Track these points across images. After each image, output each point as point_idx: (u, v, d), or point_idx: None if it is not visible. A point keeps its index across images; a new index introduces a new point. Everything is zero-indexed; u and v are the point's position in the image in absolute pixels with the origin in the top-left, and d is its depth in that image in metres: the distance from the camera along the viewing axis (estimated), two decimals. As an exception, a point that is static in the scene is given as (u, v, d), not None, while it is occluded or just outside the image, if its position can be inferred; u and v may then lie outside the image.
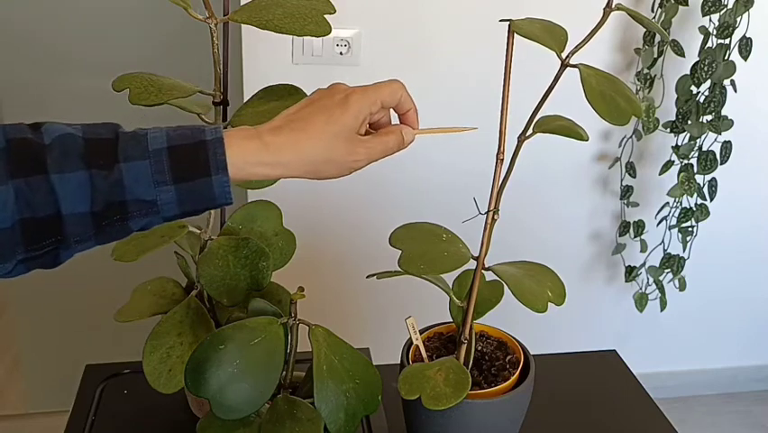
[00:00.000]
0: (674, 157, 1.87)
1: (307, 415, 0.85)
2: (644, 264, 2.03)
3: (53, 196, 0.64)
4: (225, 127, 0.93)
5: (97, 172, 0.65)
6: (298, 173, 0.72)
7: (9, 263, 0.65)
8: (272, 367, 0.83)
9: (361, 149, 0.74)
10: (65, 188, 0.64)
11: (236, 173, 0.69)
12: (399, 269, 0.85)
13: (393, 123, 0.79)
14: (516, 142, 0.84)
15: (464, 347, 0.91)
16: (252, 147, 0.70)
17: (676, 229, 1.94)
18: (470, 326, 0.91)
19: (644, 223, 1.99)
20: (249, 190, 1.43)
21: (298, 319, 0.85)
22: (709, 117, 1.79)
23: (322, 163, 0.72)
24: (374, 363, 0.90)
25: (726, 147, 1.83)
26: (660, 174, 1.91)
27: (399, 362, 0.94)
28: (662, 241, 1.99)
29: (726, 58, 1.73)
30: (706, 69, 1.72)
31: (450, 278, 0.93)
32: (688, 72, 1.76)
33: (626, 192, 1.97)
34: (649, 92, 1.83)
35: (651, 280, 2.03)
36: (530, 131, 0.83)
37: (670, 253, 1.98)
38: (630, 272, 2.05)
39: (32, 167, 0.64)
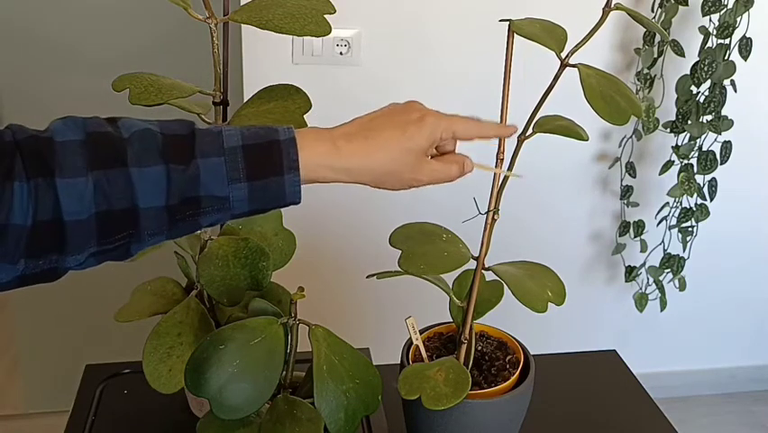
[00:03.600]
0: (674, 157, 1.87)
1: (307, 415, 0.85)
2: (644, 264, 2.03)
3: (131, 189, 0.65)
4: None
5: (175, 167, 0.66)
6: (362, 181, 0.74)
7: (81, 255, 0.65)
8: (272, 367, 0.83)
9: (426, 169, 0.76)
10: (143, 182, 0.65)
11: (306, 174, 0.70)
12: (399, 269, 0.85)
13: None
14: (516, 142, 0.84)
15: (464, 347, 0.91)
16: (324, 150, 0.71)
17: (676, 229, 1.94)
18: (471, 326, 0.91)
19: (644, 223, 1.99)
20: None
21: (298, 319, 0.85)
22: (709, 117, 1.79)
23: (386, 174, 0.74)
24: (374, 363, 0.90)
25: (726, 147, 1.83)
26: (660, 174, 1.91)
27: (399, 362, 0.94)
28: (662, 241, 1.99)
29: (726, 58, 1.73)
30: (706, 69, 1.72)
31: (450, 278, 0.93)
32: (688, 72, 1.76)
33: (626, 192, 1.97)
34: (649, 92, 1.83)
35: (651, 280, 2.03)
36: (530, 131, 0.83)
37: (670, 253, 1.98)
38: (630, 272, 2.05)
39: (112, 160, 0.65)
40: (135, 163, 0.65)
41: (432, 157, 0.78)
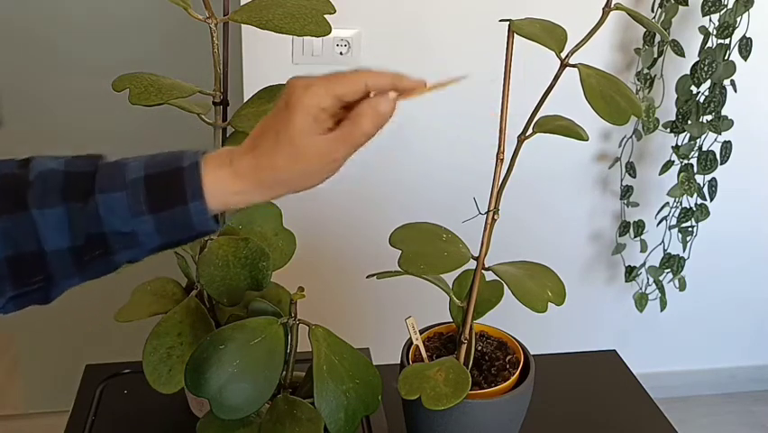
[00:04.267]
0: (674, 157, 1.87)
1: (307, 415, 0.85)
2: (644, 264, 2.03)
3: (35, 232, 0.63)
4: (225, 128, 0.94)
5: (74, 205, 0.64)
6: (274, 195, 0.67)
7: (1, 300, 0.65)
8: (272, 367, 0.83)
9: (328, 146, 0.64)
10: (45, 224, 0.63)
11: (214, 202, 0.65)
12: (399, 269, 0.85)
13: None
14: (516, 142, 0.84)
15: (464, 347, 0.91)
16: (225, 175, 0.65)
17: (676, 229, 1.94)
18: (471, 326, 0.91)
19: (644, 223, 1.99)
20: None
21: (298, 319, 0.85)
22: (709, 117, 1.79)
23: (294, 179, 0.66)
24: (374, 363, 0.90)
25: (726, 147, 1.83)
26: (660, 174, 1.91)
27: (399, 362, 0.94)
28: (662, 241, 1.99)
29: (726, 58, 1.73)
30: (706, 69, 1.72)
31: (450, 278, 0.93)
32: (688, 72, 1.76)
33: (626, 192, 1.97)
34: (649, 92, 1.83)
35: (651, 280, 2.03)
36: (530, 131, 0.83)
37: (670, 253, 1.98)
38: (630, 272, 2.05)
39: (15, 203, 0.64)
40: (37, 205, 0.63)
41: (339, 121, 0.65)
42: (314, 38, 1.33)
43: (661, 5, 1.75)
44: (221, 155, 0.66)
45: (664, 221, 1.97)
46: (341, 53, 1.72)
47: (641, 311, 2.05)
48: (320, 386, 0.83)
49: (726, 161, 1.84)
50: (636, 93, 1.83)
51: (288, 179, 0.66)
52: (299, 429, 0.84)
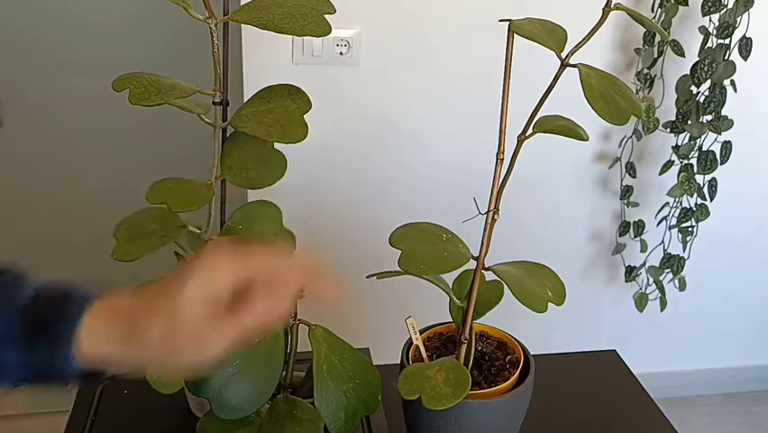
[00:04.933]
0: (674, 157, 1.87)
1: (307, 415, 0.85)
2: (644, 264, 2.03)
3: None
4: (225, 128, 0.94)
5: None
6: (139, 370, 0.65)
7: None
8: (272, 367, 0.83)
9: (208, 335, 0.60)
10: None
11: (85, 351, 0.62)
12: (399, 269, 0.85)
13: None
14: (516, 142, 0.84)
15: (464, 347, 0.91)
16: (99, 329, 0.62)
17: (676, 229, 1.94)
18: (470, 326, 0.91)
19: (644, 223, 1.99)
20: (249, 190, 1.43)
21: (298, 319, 0.85)
22: (709, 117, 1.79)
23: (161, 353, 0.61)
24: (374, 363, 0.90)
25: (726, 147, 1.83)
26: (660, 174, 1.91)
27: (399, 362, 0.94)
28: (662, 241, 1.99)
29: (726, 58, 1.73)
30: (706, 69, 1.72)
31: (450, 278, 0.93)
32: (688, 72, 1.76)
33: (626, 192, 1.97)
34: (649, 92, 1.83)
35: (651, 280, 2.03)
36: (530, 131, 0.83)
37: (670, 253, 1.98)
38: (630, 272, 2.05)
39: None
40: None
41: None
42: (314, 38, 1.33)
43: (661, 5, 1.75)
44: (107, 306, 0.63)
45: (664, 221, 1.97)
46: (341, 53, 1.72)
47: (641, 311, 2.05)
48: (320, 386, 0.83)
49: (726, 161, 1.84)
50: (636, 93, 1.83)
51: (155, 352, 0.62)
52: (299, 429, 0.84)
